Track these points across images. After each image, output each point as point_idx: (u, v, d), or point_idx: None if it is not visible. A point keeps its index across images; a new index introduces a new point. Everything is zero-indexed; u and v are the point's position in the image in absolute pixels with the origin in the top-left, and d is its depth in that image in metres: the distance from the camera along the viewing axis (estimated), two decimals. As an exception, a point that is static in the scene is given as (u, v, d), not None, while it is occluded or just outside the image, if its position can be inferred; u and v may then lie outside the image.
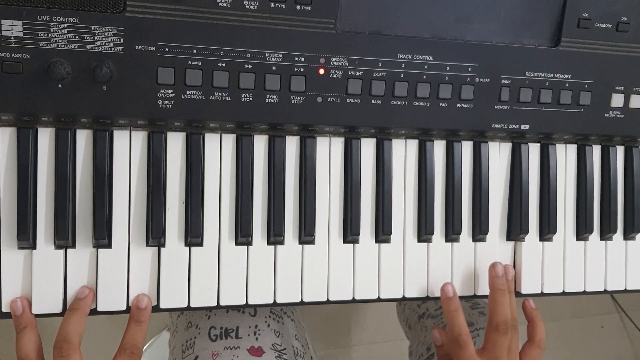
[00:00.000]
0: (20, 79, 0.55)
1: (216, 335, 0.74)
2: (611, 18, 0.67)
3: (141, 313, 0.61)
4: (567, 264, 0.74)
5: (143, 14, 0.56)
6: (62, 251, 0.60)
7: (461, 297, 0.71)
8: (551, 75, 0.67)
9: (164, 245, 0.62)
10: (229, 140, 0.63)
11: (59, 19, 0.54)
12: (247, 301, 0.64)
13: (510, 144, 0.71)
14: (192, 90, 0.58)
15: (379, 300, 0.68)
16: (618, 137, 0.73)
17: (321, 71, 0.61)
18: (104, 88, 0.56)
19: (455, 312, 0.67)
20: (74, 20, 0.55)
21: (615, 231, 0.75)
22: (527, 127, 0.68)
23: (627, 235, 0.76)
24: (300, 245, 0.66)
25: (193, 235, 0.62)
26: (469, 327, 0.90)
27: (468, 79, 0.65)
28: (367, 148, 0.67)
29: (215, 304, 0.63)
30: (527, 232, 0.71)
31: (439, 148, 0.69)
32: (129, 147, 0.61)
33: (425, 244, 0.69)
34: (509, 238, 0.72)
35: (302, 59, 0.61)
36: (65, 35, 0.55)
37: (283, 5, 0.59)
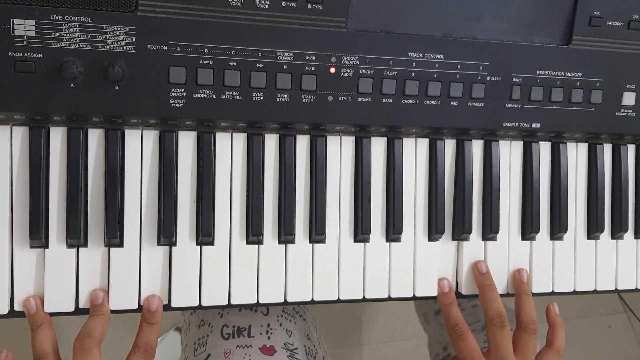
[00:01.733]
0: (32, 79, 0.55)
1: (228, 333, 0.74)
2: (623, 16, 0.67)
3: (152, 315, 0.61)
4: (577, 263, 0.74)
5: (155, 13, 0.56)
6: (74, 250, 0.60)
7: (471, 296, 0.71)
8: (562, 73, 0.67)
9: (175, 244, 0.62)
10: (240, 139, 0.63)
11: (71, 18, 0.55)
12: (258, 300, 0.64)
13: (521, 142, 0.71)
14: (204, 90, 0.59)
15: (389, 299, 0.68)
16: (629, 135, 0.73)
17: (332, 70, 0.61)
18: (116, 87, 0.57)
19: (450, 306, 0.68)
20: (86, 19, 0.55)
21: (626, 230, 0.74)
22: (538, 125, 0.68)
23: (639, 234, 0.76)
24: (311, 245, 0.66)
25: (204, 234, 0.62)
26: (477, 323, 0.90)
27: (479, 78, 0.65)
28: (378, 147, 0.67)
29: (226, 302, 0.64)
30: (537, 231, 0.71)
31: (449, 147, 0.69)
32: (140, 146, 0.61)
33: (436, 242, 0.69)
34: (524, 237, 0.72)
35: (313, 58, 0.61)
36: (77, 35, 0.55)
37: (294, 4, 0.59)
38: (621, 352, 1.89)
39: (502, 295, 0.71)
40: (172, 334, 1.38)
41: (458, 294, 0.71)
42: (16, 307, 0.59)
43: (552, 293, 0.73)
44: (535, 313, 0.68)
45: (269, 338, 0.74)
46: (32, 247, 0.59)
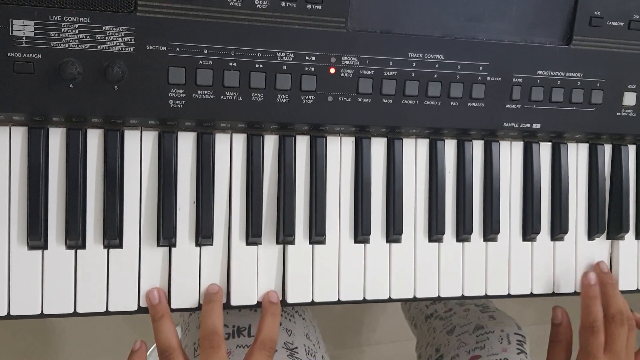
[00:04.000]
0: (31, 79, 0.55)
1: (228, 333, 0.74)
2: (623, 16, 0.67)
3: (274, 306, 0.63)
4: (578, 264, 0.74)
5: (154, 14, 0.56)
6: (73, 251, 0.59)
7: (472, 297, 0.70)
8: (563, 73, 0.67)
9: (174, 245, 0.62)
10: (240, 140, 0.63)
11: (70, 18, 0.54)
12: (257, 301, 0.64)
13: (522, 143, 0.71)
14: (203, 90, 0.58)
15: (389, 300, 0.68)
16: (630, 136, 0.73)
17: (332, 70, 0.61)
18: (115, 88, 0.56)
19: (594, 299, 0.69)
20: (85, 20, 0.55)
21: (627, 231, 0.74)
22: (538, 126, 0.68)
23: (640, 235, 0.76)
24: (311, 245, 0.65)
25: (204, 235, 0.61)
26: (479, 330, 0.91)
27: (479, 78, 0.65)
28: (378, 147, 0.67)
29: (224, 303, 0.63)
30: (538, 232, 0.71)
31: (450, 147, 0.69)
32: (139, 147, 0.61)
33: (437, 243, 0.69)
34: (525, 238, 0.72)
35: (313, 58, 0.60)
36: (76, 35, 0.55)
37: (294, 5, 0.59)
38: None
39: (503, 297, 0.71)
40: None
41: (462, 297, 0.70)
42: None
43: (553, 294, 0.73)
44: (621, 304, 0.69)
45: (277, 334, 0.73)
46: (30, 248, 0.59)
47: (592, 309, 0.69)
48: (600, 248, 0.75)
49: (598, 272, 0.72)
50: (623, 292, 0.75)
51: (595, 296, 0.69)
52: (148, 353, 1.27)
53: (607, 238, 0.75)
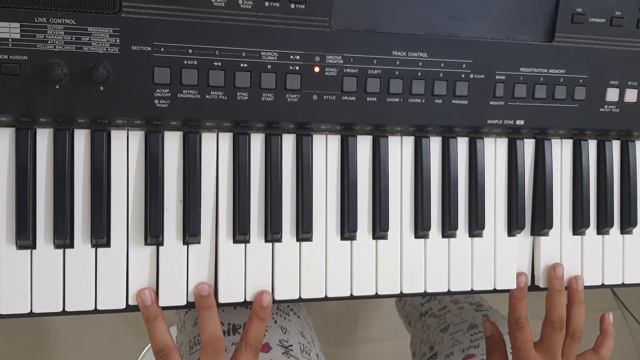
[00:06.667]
0: (18, 81, 0.55)
1: (224, 331, 0.74)
2: (605, 13, 0.68)
3: (264, 311, 0.63)
4: (563, 258, 0.74)
5: (139, 15, 0.57)
6: (61, 251, 0.60)
7: (458, 292, 0.71)
8: (545, 70, 0.68)
9: (162, 244, 0.62)
10: (226, 139, 0.64)
11: (55, 20, 0.55)
12: (245, 298, 0.65)
13: (506, 139, 0.72)
14: (188, 90, 0.59)
15: (377, 296, 0.69)
16: (614, 131, 0.74)
17: (316, 69, 0.62)
18: (101, 88, 0.57)
19: (520, 300, 0.72)
20: (71, 21, 0.55)
21: (612, 225, 0.75)
22: (522, 122, 0.68)
23: (624, 229, 0.76)
24: (298, 243, 0.66)
25: (191, 233, 0.62)
26: (473, 329, 0.91)
27: (462, 76, 0.65)
28: (363, 145, 0.67)
29: (213, 301, 0.64)
30: (523, 227, 0.72)
31: (434, 144, 0.70)
32: (126, 147, 0.61)
33: (422, 239, 0.70)
34: (510, 234, 0.73)
35: (297, 57, 0.61)
36: (62, 37, 0.55)
37: (277, 4, 0.59)
38: (616, 348, 1.89)
39: (489, 292, 0.72)
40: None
41: (448, 292, 0.71)
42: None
43: (538, 288, 0.74)
44: (564, 312, 0.72)
45: (264, 335, 0.74)
46: (19, 247, 0.59)
47: (517, 308, 0.72)
48: (585, 242, 0.75)
49: (551, 276, 0.73)
50: (608, 286, 0.76)
51: (522, 298, 0.72)
52: (143, 353, 1.27)
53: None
